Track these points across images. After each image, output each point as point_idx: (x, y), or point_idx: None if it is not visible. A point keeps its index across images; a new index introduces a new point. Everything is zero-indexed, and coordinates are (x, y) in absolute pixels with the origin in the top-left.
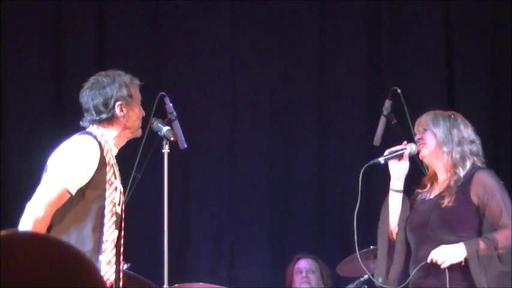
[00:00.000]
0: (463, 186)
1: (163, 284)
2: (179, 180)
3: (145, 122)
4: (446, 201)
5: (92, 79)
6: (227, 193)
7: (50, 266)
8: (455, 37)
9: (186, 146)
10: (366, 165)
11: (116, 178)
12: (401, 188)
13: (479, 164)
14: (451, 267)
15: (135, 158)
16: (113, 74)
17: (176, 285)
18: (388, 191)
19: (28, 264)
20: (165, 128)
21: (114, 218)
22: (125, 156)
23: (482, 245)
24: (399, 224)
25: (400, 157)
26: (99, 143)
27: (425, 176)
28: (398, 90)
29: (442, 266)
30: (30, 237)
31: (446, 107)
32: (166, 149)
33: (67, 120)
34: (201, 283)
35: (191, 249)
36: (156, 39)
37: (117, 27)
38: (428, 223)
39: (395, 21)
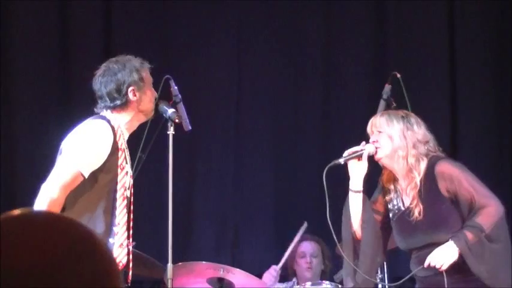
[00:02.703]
0: (430, 185)
1: (167, 262)
2: (184, 161)
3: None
4: (420, 210)
5: (103, 66)
6: (231, 175)
7: (64, 245)
8: (459, 29)
9: (190, 128)
10: (328, 166)
11: (126, 163)
12: (360, 188)
13: (435, 153)
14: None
15: (141, 139)
16: (123, 60)
17: (180, 263)
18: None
19: (42, 242)
20: (170, 110)
21: (125, 201)
22: (130, 137)
23: (469, 235)
24: (362, 225)
25: (359, 157)
26: (112, 128)
27: (381, 176)
28: (398, 75)
29: (441, 269)
30: (45, 216)
31: (448, 94)
32: (171, 131)
33: (73, 107)
34: (204, 262)
35: (195, 229)
36: (164, 25)
37: (124, 16)
38: (420, 230)
39: (400, 15)
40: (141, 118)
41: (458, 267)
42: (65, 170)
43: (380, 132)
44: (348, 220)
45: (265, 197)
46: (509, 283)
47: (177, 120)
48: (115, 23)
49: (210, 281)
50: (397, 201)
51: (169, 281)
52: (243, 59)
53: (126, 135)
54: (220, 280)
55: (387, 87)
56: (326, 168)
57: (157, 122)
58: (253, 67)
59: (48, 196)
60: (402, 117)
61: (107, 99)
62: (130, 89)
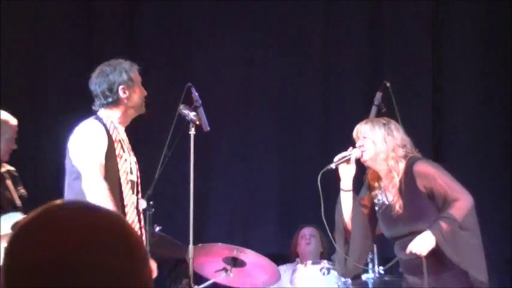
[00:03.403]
0: (409, 183)
1: (189, 243)
2: (202, 157)
3: (174, 109)
4: (402, 204)
5: (97, 69)
6: (242, 170)
7: (103, 227)
8: (443, 38)
9: (209, 128)
10: (321, 172)
11: (124, 151)
12: (350, 187)
13: (413, 154)
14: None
15: (166, 139)
16: (114, 63)
17: (200, 244)
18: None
19: (78, 230)
20: (192, 114)
21: (130, 184)
22: (157, 137)
23: (443, 225)
24: (352, 219)
25: (347, 161)
26: (104, 125)
27: (366, 175)
28: (388, 84)
29: (421, 255)
30: (79, 205)
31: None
32: (192, 131)
33: (78, 108)
34: (220, 243)
35: (212, 215)
36: (184, 40)
37: (153, 35)
38: (402, 222)
39: (392, 25)
40: (132, 113)
41: (435, 252)
42: (94, 165)
43: (365, 137)
44: (340, 215)
45: (271, 189)
46: (478, 264)
47: (197, 122)
48: (141, 37)
49: (225, 259)
50: (381, 196)
51: (191, 260)
52: (251, 73)
53: (121, 129)
54: (234, 259)
55: (378, 95)
56: (320, 174)
57: (181, 123)
58: (259, 79)
59: (102, 187)
60: (383, 124)
61: (101, 97)
62: (120, 87)
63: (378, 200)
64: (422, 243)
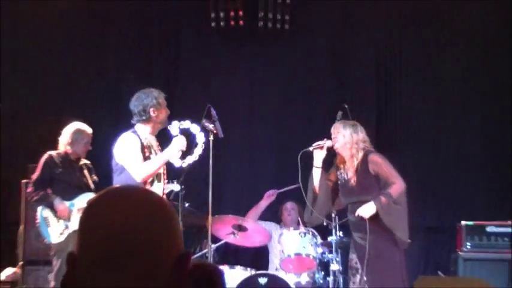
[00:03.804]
0: (363, 166)
1: (208, 215)
2: (218, 154)
3: (197, 122)
4: (356, 179)
5: (136, 94)
6: (246, 165)
7: (150, 204)
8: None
9: (222, 135)
10: (301, 151)
11: (151, 154)
12: (320, 165)
13: (369, 148)
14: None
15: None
16: (148, 91)
17: (216, 215)
18: (312, 168)
19: (128, 203)
20: (211, 125)
21: (155, 176)
22: (188, 141)
23: (383, 199)
24: (319, 187)
25: (321, 147)
26: (139, 136)
27: (336, 159)
28: (346, 106)
29: (365, 218)
30: (129, 187)
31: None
32: (211, 137)
33: (121, 124)
34: (230, 215)
35: (225, 195)
36: (207, 73)
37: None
38: (354, 193)
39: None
40: (159, 127)
41: (374, 217)
42: (135, 163)
43: (338, 132)
44: (311, 183)
45: (266, 177)
46: (403, 229)
47: (214, 131)
48: (179, 73)
49: (233, 226)
50: (343, 174)
51: (209, 227)
52: (253, 97)
53: (151, 137)
54: (240, 226)
55: (339, 113)
56: (300, 153)
57: (204, 131)
58: (259, 101)
59: (142, 175)
60: (352, 125)
61: (138, 115)
62: (151, 109)
63: (341, 175)
64: (367, 210)
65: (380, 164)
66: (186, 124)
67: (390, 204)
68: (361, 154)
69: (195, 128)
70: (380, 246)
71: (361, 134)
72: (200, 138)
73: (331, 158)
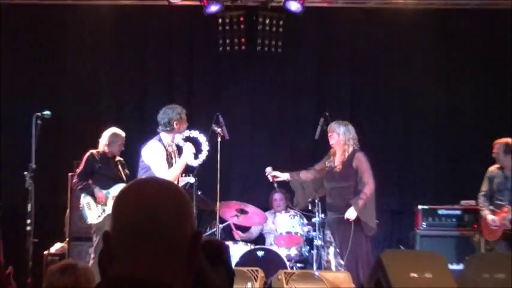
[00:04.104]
0: (349, 160)
1: (216, 201)
2: (224, 153)
3: (206, 128)
4: (340, 168)
5: (163, 109)
6: (247, 160)
7: (171, 192)
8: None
9: (228, 137)
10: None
11: (172, 158)
12: (288, 177)
13: (356, 147)
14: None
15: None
16: (173, 107)
17: (223, 201)
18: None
19: (153, 192)
20: (219, 129)
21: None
22: (195, 145)
23: (360, 203)
24: (306, 176)
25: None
26: (163, 144)
27: (330, 151)
28: (327, 113)
29: (351, 219)
30: (154, 179)
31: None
32: (219, 139)
33: (147, 129)
34: (234, 201)
35: (231, 184)
36: (216, 89)
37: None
38: (336, 179)
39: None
40: (178, 134)
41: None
42: (160, 165)
43: (333, 131)
44: (298, 174)
45: (264, 172)
46: (371, 218)
47: (222, 134)
48: (194, 88)
49: (237, 210)
50: (331, 163)
51: (218, 211)
52: (253, 108)
53: (172, 144)
54: (242, 210)
55: (321, 120)
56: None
57: (213, 135)
58: (259, 110)
59: (166, 176)
60: (345, 125)
61: (163, 126)
62: (175, 122)
63: (329, 164)
64: (351, 214)
65: (362, 162)
66: (195, 133)
67: (365, 204)
68: (351, 149)
69: (201, 137)
70: (353, 229)
71: (352, 133)
72: (205, 143)
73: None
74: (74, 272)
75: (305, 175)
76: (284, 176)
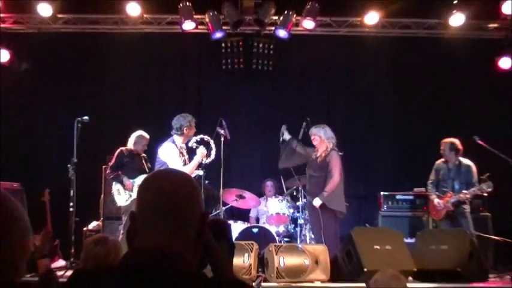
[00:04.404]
0: (325, 156)
1: (220, 189)
2: (227, 150)
3: (213, 130)
4: (319, 161)
5: (177, 116)
6: (244, 156)
7: (182, 179)
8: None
9: (229, 138)
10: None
11: (183, 156)
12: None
13: (333, 147)
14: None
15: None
16: (185, 115)
17: (225, 189)
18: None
19: (170, 180)
20: (222, 131)
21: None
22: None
23: (325, 194)
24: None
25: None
26: (176, 145)
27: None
28: (308, 118)
29: (316, 206)
30: (171, 170)
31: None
32: (222, 140)
33: (166, 132)
34: (234, 188)
35: (231, 174)
36: (219, 100)
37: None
38: (314, 169)
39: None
40: (187, 138)
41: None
42: (177, 162)
43: (315, 134)
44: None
45: (257, 166)
46: (340, 204)
47: (224, 135)
48: (201, 98)
49: (236, 195)
50: (314, 156)
51: (221, 196)
52: (251, 109)
53: (183, 145)
54: (240, 195)
55: (304, 123)
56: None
57: (217, 136)
58: (256, 112)
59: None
60: (323, 127)
61: (175, 130)
62: (185, 128)
63: (314, 155)
64: (316, 202)
65: (333, 159)
66: (205, 138)
67: (329, 195)
68: (329, 148)
69: (211, 142)
70: (323, 212)
71: (329, 133)
72: (214, 147)
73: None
74: (106, 243)
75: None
76: (293, 144)
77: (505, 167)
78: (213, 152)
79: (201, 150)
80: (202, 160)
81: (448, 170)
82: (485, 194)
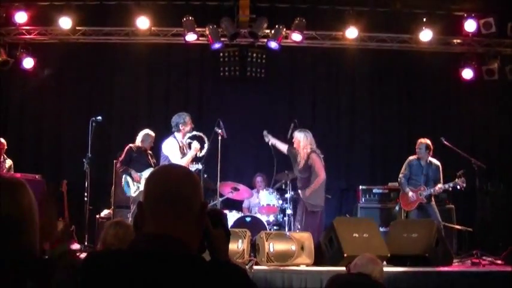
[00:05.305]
0: (306, 160)
1: (217, 182)
2: (224, 147)
3: (211, 129)
4: (301, 166)
5: (176, 115)
6: (240, 152)
7: (185, 173)
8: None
9: (226, 137)
10: (266, 136)
11: (184, 151)
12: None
13: (312, 149)
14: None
15: (210, 141)
16: (180, 114)
17: (223, 182)
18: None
19: (174, 172)
20: (219, 130)
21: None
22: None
23: (308, 191)
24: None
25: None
26: (176, 140)
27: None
28: (296, 120)
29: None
30: (174, 165)
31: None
32: (219, 138)
33: (168, 130)
34: (229, 181)
35: (228, 168)
36: (218, 103)
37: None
38: (299, 171)
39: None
40: (185, 133)
41: (308, 196)
42: (175, 155)
43: (295, 138)
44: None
45: (251, 163)
46: (320, 199)
47: (222, 134)
48: (204, 102)
49: (231, 188)
50: (298, 158)
51: (218, 188)
52: (246, 110)
53: (183, 140)
54: (235, 188)
55: (292, 125)
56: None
57: (215, 135)
58: (250, 112)
59: (180, 162)
60: (304, 132)
61: (174, 127)
62: (180, 125)
63: (298, 158)
64: (302, 195)
65: (314, 161)
66: (199, 134)
67: (311, 193)
68: (308, 151)
69: (204, 137)
70: (307, 205)
71: (309, 138)
72: (206, 142)
73: None
74: (124, 226)
75: (282, 147)
76: (272, 140)
77: (467, 165)
78: (206, 146)
79: (195, 145)
80: (196, 153)
81: (420, 166)
82: (463, 189)
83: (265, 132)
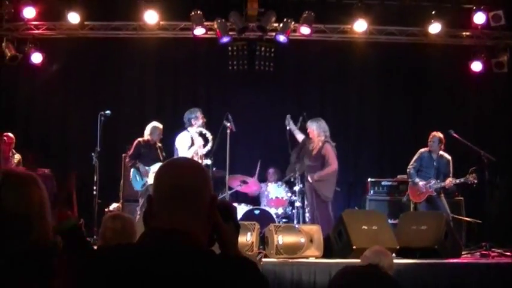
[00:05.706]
0: (320, 149)
1: (226, 175)
2: (232, 140)
3: (220, 123)
4: (314, 153)
5: (188, 111)
6: (247, 145)
7: (194, 167)
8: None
9: (235, 130)
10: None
11: (194, 144)
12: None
13: (327, 139)
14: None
15: (218, 133)
16: (192, 110)
17: (231, 175)
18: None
19: (182, 166)
20: (228, 124)
21: (197, 156)
22: (216, 133)
23: (316, 176)
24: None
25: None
26: (189, 133)
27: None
28: (304, 113)
29: (311, 181)
30: (187, 158)
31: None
32: (228, 132)
33: (180, 125)
34: (239, 174)
35: (236, 162)
36: (225, 99)
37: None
38: (310, 159)
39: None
40: (198, 126)
41: (316, 184)
42: (185, 148)
43: (309, 127)
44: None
45: (259, 156)
46: (328, 190)
47: (230, 128)
48: (211, 100)
49: (240, 181)
50: (311, 146)
51: (227, 181)
52: (254, 103)
53: (195, 134)
54: (244, 181)
55: (300, 118)
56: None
57: (224, 128)
58: (258, 105)
59: (187, 155)
60: (317, 121)
61: (187, 122)
62: (192, 119)
63: (310, 146)
64: (310, 178)
65: (328, 151)
66: (204, 130)
67: (318, 180)
68: (322, 139)
69: (209, 134)
70: (317, 196)
71: (323, 126)
72: (210, 138)
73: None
74: (121, 219)
75: (299, 136)
76: (292, 127)
77: (476, 157)
78: (210, 144)
79: (198, 142)
80: (198, 149)
81: (431, 159)
82: (474, 185)
83: (288, 117)
